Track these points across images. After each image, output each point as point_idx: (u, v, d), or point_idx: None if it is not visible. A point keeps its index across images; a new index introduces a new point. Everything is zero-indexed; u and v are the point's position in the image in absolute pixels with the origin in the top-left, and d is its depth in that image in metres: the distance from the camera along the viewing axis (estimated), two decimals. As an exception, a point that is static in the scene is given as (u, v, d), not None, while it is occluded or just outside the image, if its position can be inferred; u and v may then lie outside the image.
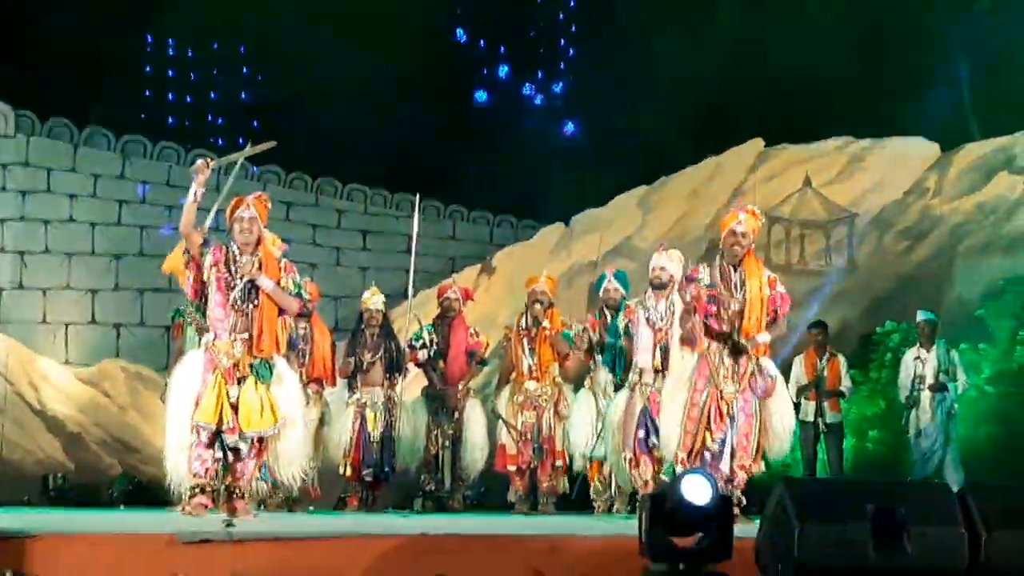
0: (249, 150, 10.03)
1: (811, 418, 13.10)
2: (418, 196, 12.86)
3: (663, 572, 5.34)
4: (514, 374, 11.81)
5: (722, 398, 9.17)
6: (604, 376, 11.31)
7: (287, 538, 6.28)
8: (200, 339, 9.44)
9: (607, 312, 11.31)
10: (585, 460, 11.43)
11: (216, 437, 8.57)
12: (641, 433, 10.14)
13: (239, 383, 8.61)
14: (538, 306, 11.65)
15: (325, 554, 6.22)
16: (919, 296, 14.29)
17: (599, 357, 11.32)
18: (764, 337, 9.12)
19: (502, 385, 12.00)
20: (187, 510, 8.60)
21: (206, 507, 8.49)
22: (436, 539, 6.49)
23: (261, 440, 8.68)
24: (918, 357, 12.94)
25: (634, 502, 10.69)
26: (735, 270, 9.24)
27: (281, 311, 8.86)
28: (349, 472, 11.63)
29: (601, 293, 11.46)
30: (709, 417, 9.16)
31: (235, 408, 8.57)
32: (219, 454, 8.63)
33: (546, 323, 11.60)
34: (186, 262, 8.85)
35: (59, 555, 5.99)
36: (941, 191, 15.56)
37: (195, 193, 8.67)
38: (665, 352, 10.13)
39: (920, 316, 13.12)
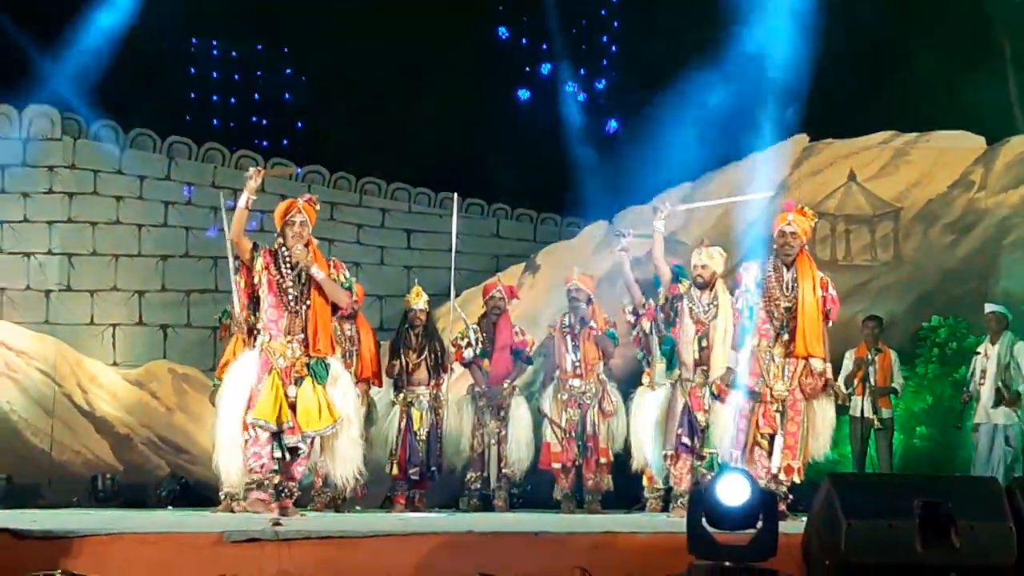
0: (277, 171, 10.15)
1: (860, 413, 13.03)
2: (456, 195, 12.90)
3: (709, 568, 5.34)
4: (558, 372, 11.82)
5: (772, 396, 9.18)
6: (663, 370, 11.18)
7: (334, 537, 6.31)
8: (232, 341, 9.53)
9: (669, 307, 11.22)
10: (645, 459, 11.25)
11: (274, 436, 8.64)
12: (681, 430, 10.11)
13: (296, 383, 8.68)
14: (583, 306, 11.63)
15: (372, 552, 6.24)
16: (965, 290, 14.22)
17: (656, 351, 11.20)
18: (820, 366, 9.16)
19: (547, 383, 12.01)
20: (244, 506, 8.67)
21: (264, 503, 8.54)
22: (482, 537, 6.51)
23: (313, 440, 8.75)
24: (980, 352, 12.84)
25: (668, 499, 10.67)
26: (788, 269, 9.25)
27: (334, 309, 8.92)
28: (395, 471, 11.66)
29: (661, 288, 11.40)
30: (759, 415, 9.17)
31: (293, 408, 8.64)
32: (277, 453, 8.70)
33: (593, 323, 11.58)
34: (236, 268, 8.93)
35: (108, 554, 6.04)
36: (987, 184, 15.46)
37: (247, 200, 8.74)
38: (704, 345, 10.10)
39: (987, 308, 13.00)
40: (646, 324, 11.39)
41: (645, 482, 11.45)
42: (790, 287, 9.21)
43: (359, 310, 11.57)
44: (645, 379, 11.49)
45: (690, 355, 10.19)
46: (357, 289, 10.69)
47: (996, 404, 12.58)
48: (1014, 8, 15.33)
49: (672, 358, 11.07)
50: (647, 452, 11.17)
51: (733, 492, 5.31)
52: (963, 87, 15.22)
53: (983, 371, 12.73)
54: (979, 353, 12.87)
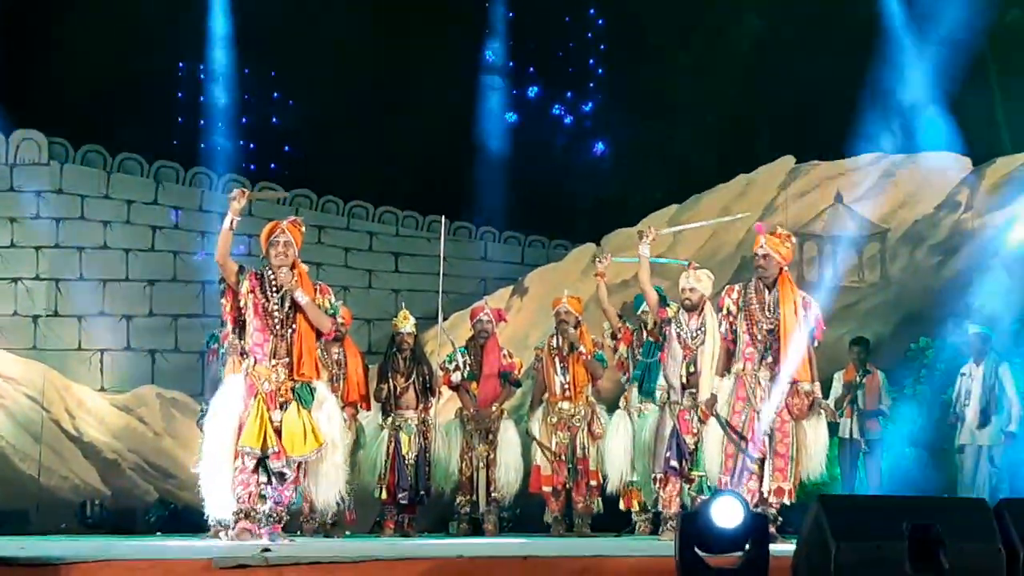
0: (267, 193, 10.11)
1: (849, 435, 13.06)
2: (444, 218, 12.89)
3: (699, 592, 5.33)
4: (547, 394, 11.83)
5: (759, 419, 9.19)
6: (636, 394, 11.38)
7: (324, 562, 6.28)
8: (226, 365, 9.51)
9: (643, 331, 11.35)
10: (622, 483, 11.46)
11: (260, 462, 8.62)
12: (669, 453, 10.12)
13: (281, 408, 8.66)
14: (571, 330, 11.67)
15: (361, 577, 6.22)
16: (952, 311, 14.24)
17: (632, 373, 11.42)
18: (807, 387, 9.19)
19: (535, 406, 12.02)
20: (231, 536, 8.64)
21: (250, 532, 8.52)
22: (472, 561, 6.49)
23: (300, 465, 8.73)
24: (965, 373, 12.85)
25: (658, 522, 10.69)
26: (769, 291, 9.27)
27: (319, 334, 8.91)
28: (384, 495, 11.64)
29: (640, 313, 11.49)
30: (748, 438, 9.17)
31: (278, 433, 8.62)
32: (263, 479, 8.68)
33: (582, 347, 11.61)
34: (222, 291, 8.90)
35: (97, 582, 6.01)
36: (973, 205, 15.50)
37: (231, 221, 8.73)
38: (692, 369, 10.11)
39: (970, 329, 13.03)
40: (623, 349, 11.51)
41: (622, 505, 11.53)
42: (772, 309, 9.23)
43: (346, 333, 11.56)
44: (622, 402, 11.58)
45: (677, 379, 10.19)
46: (344, 313, 10.69)
47: (981, 425, 12.61)
48: (1000, 28, 15.39)
49: (643, 383, 11.20)
50: (621, 475, 11.39)
51: (726, 515, 5.31)
52: (949, 108, 15.29)
53: (968, 392, 12.76)
54: (964, 374, 12.89)
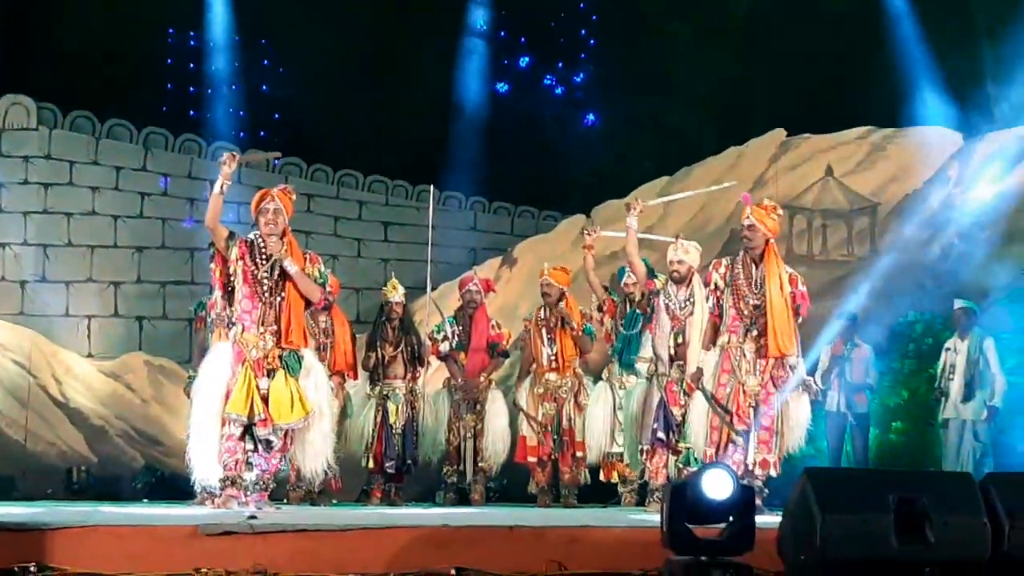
0: (257, 155, 10.07)
1: (836, 408, 13.09)
2: (433, 188, 12.86)
3: (685, 564, 5.34)
4: (534, 365, 11.83)
5: (745, 391, 9.20)
6: (617, 367, 11.42)
7: (310, 530, 6.29)
8: (213, 333, 9.50)
9: (628, 303, 11.38)
10: (602, 454, 11.50)
11: (247, 429, 8.61)
12: (657, 425, 10.12)
13: (269, 375, 8.65)
14: (561, 305, 11.66)
15: (348, 546, 6.23)
16: (941, 286, 14.25)
17: (613, 345, 11.46)
18: (792, 360, 9.20)
19: (523, 377, 12.02)
20: (217, 503, 8.64)
21: (236, 500, 8.52)
22: (457, 530, 6.50)
23: (288, 432, 8.72)
24: (950, 347, 12.88)
25: (645, 494, 10.71)
26: (756, 266, 9.27)
27: (307, 303, 8.89)
28: (371, 465, 11.64)
29: (623, 285, 11.50)
30: (732, 411, 9.19)
31: (265, 400, 8.61)
32: (249, 446, 8.67)
33: (574, 323, 11.61)
34: (212, 256, 8.88)
35: (82, 547, 6.02)
36: (963, 180, 15.50)
37: (221, 186, 8.70)
38: (680, 340, 10.11)
39: (956, 303, 13.04)
40: (608, 321, 11.52)
41: (602, 476, 11.57)
42: (759, 285, 9.23)
43: (334, 302, 11.54)
44: (605, 374, 11.61)
45: (665, 350, 10.19)
46: (332, 281, 10.66)
47: (965, 399, 12.64)
48: (993, 4, 15.36)
49: (622, 355, 11.23)
50: (601, 447, 11.48)
51: (716, 487, 5.32)
52: (940, 83, 15.27)
53: (952, 366, 12.77)
54: (948, 348, 12.91)
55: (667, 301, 10.20)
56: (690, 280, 10.17)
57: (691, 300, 10.09)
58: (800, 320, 9.39)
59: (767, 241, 9.31)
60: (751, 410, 9.21)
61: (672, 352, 10.13)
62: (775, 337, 9.09)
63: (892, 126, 15.92)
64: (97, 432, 14.83)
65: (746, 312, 9.24)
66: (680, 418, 10.03)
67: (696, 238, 10.85)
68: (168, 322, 15.36)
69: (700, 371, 9.45)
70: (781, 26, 15.86)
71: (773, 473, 9.22)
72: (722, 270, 9.40)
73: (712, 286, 9.43)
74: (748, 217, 9.33)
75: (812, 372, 10.99)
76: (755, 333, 9.21)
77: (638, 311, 11.13)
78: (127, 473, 14.53)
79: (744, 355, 9.23)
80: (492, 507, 11.52)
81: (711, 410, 9.27)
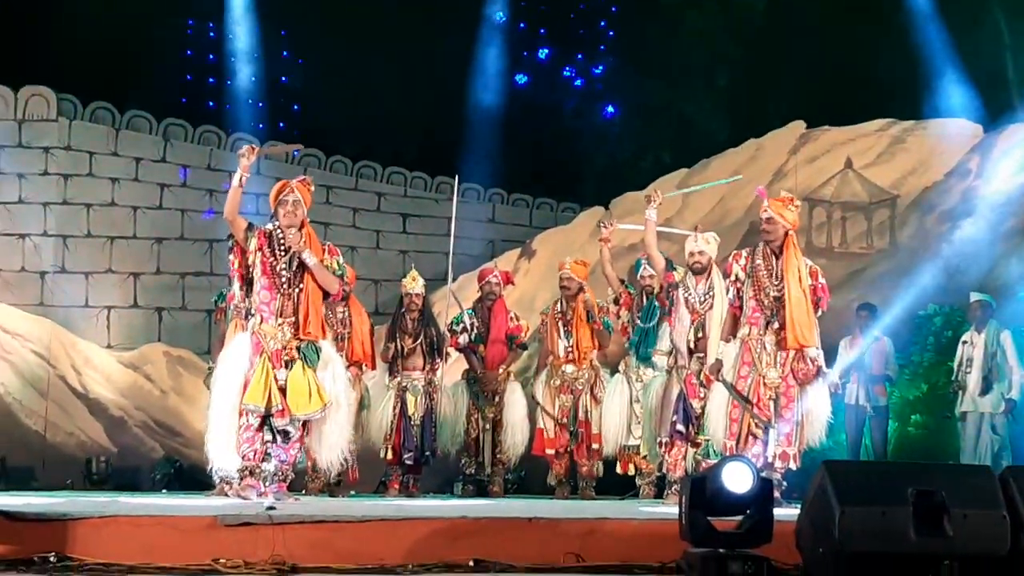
0: (276, 148, 10.09)
1: (855, 401, 13.07)
2: (457, 179, 12.85)
3: (703, 555, 5.34)
4: (551, 358, 11.83)
5: (765, 384, 9.18)
6: (634, 360, 11.40)
7: (328, 521, 6.31)
8: (232, 322, 9.51)
9: (644, 295, 11.36)
10: (618, 446, 11.48)
11: (265, 420, 8.63)
12: (676, 417, 10.10)
13: (287, 366, 8.66)
14: (588, 298, 11.65)
15: (366, 537, 6.25)
16: (961, 279, 14.21)
17: (630, 338, 11.43)
18: (813, 352, 9.17)
19: (540, 369, 12.02)
20: (236, 492, 8.67)
21: (255, 490, 8.54)
22: (475, 522, 6.51)
23: (305, 423, 8.74)
24: (967, 341, 12.85)
25: (663, 486, 10.69)
26: (776, 259, 9.24)
27: (325, 295, 8.91)
28: (390, 456, 11.64)
29: (639, 277, 11.48)
30: (753, 403, 9.17)
31: (283, 391, 8.62)
32: (268, 437, 8.69)
33: (596, 316, 11.61)
34: (231, 247, 8.90)
35: (102, 538, 6.04)
36: (983, 173, 15.44)
37: (240, 178, 8.72)
38: (700, 334, 10.08)
39: (972, 296, 13.01)
40: (624, 313, 11.50)
41: (619, 469, 11.55)
42: (778, 277, 9.20)
43: (351, 292, 11.54)
44: (622, 367, 11.57)
45: (684, 343, 10.15)
46: (348, 272, 10.67)
47: (983, 393, 12.61)
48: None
49: (639, 349, 11.20)
50: (617, 439, 11.44)
51: (736, 479, 5.31)
52: (961, 74, 15.23)
53: (969, 359, 12.75)
54: (965, 342, 12.88)
55: (686, 294, 10.16)
56: (709, 272, 10.13)
57: (711, 293, 10.05)
58: (820, 313, 9.37)
59: (787, 233, 9.28)
60: (771, 403, 9.19)
61: (692, 345, 10.10)
62: (794, 329, 9.06)
63: (912, 118, 15.86)
64: (116, 423, 14.86)
65: (766, 304, 9.21)
66: (699, 411, 9.99)
67: (715, 231, 10.82)
68: (187, 313, 15.38)
69: (720, 363, 9.42)
70: (800, 18, 15.83)
71: (793, 466, 9.21)
72: (743, 262, 9.38)
73: (733, 277, 9.40)
74: (766, 210, 9.31)
75: (831, 365, 10.96)
76: (776, 326, 9.18)
77: (656, 304, 11.10)
78: (146, 464, 14.57)
79: (764, 347, 9.21)
80: (510, 499, 11.52)
81: (731, 401, 9.25)
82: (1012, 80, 15.47)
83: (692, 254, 10.18)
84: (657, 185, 13.95)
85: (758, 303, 9.25)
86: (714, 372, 9.46)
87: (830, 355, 11.16)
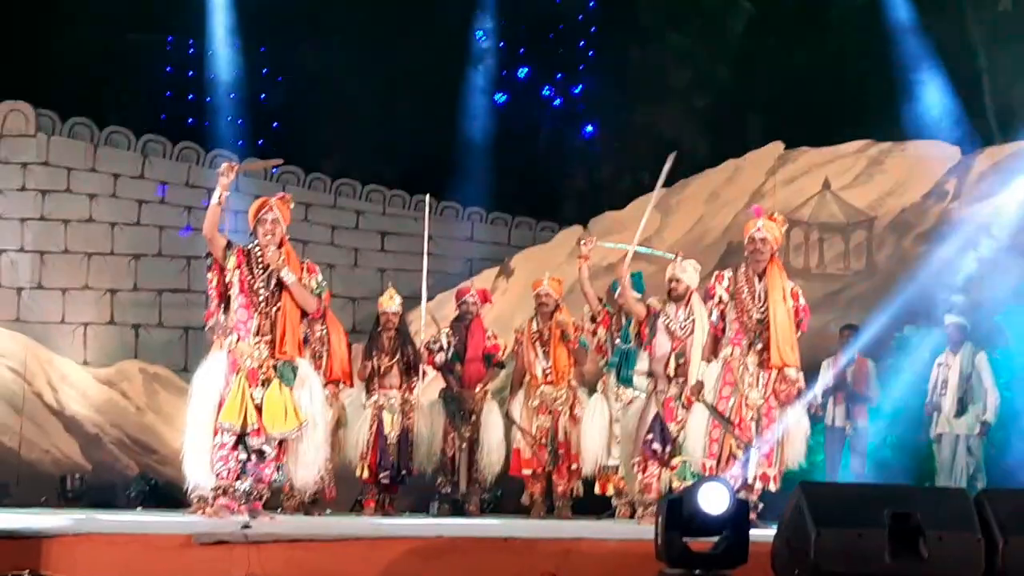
0: (255, 163, 10.09)
1: (833, 422, 13.07)
2: (429, 197, 12.85)
3: (679, 576, 5.34)
4: (527, 377, 11.81)
5: (747, 405, 9.17)
6: (614, 380, 11.36)
7: (303, 540, 6.29)
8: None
9: (622, 316, 11.33)
10: (597, 467, 11.44)
11: (240, 439, 8.61)
12: (651, 436, 10.06)
13: (263, 385, 8.64)
14: (562, 317, 11.65)
15: (341, 556, 6.24)
16: (938, 301, 14.24)
17: (610, 359, 11.40)
18: (794, 373, 9.17)
19: (515, 389, 11.99)
20: (210, 512, 8.64)
21: (229, 509, 8.52)
22: (452, 542, 6.50)
23: (281, 442, 8.71)
24: (942, 362, 12.88)
25: (633, 506, 10.67)
26: (759, 280, 9.23)
27: (303, 314, 8.89)
28: (366, 474, 11.63)
29: (617, 298, 11.46)
30: (734, 423, 9.16)
31: (259, 410, 8.60)
32: (243, 456, 8.67)
33: (572, 335, 11.60)
34: (210, 265, 8.88)
35: (76, 555, 6.02)
36: (960, 194, 15.50)
37: (220, 196, 8.70)
38: (681, 360, 10.05)
39: (947, 319, 13.05)
40: (602, 332, 11.47)
41: (597, 489, 11.51)
42: (761, 298, 9.19)
43: (327, 308, 11.49)
44: (600, 386, 11.55)
45: (663, 369, 10.09)
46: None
47: (958, 414, 12.64)
48: (990, 18, 15.40)
49: (620, 370, 11.17)
50: (596, 459, 11.37)
51: (712, 500, 5.31)
52: (938, 97, 15.30)
53: (944, 381, 12.78)
54: (941, 363, 12.91)
55: (666, 321, 10.13)
56: (689, 299, 10.12)
57: (691, 319, 10.04)
58: (800, 334, 9.36)
59: (772, 254, 9.29)
60: (753, 424, 9.18)
61: (672, 372, 10.05)
62: (778, 348, 9.05)
63: (890, 139, 15.91)
64: (92, 440, 14.80)
65: (749, 325, 9.20)
66: (675, 434, 9.96)
67: (693, 250, 10.87)
68: (164, 330, 15.35)
69: (700, 383, 9.41)
70: (779, 39, 15.89)
71: (772, 487, 9.19)
72: (725, 283, 9.34)
73: (716, 299, 9.36)
74: (759, 230, 9.27)
75: (812, 386, 10.98)
76: (759, 347, 9.18)
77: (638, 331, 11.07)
78: (121, 481, 14.50)
79: (747, 368, 9.21)
80: (487, 518, 11.50)
81: (712, 422, 9.23)
82: (988, 102, 15.55)
83: (671, 279, 10.17)
84: (636, 205, 13.99)
85: (741, 324, 9.24)
86: (695, 393, 9.45)
87: (810, 376, 11.19)
